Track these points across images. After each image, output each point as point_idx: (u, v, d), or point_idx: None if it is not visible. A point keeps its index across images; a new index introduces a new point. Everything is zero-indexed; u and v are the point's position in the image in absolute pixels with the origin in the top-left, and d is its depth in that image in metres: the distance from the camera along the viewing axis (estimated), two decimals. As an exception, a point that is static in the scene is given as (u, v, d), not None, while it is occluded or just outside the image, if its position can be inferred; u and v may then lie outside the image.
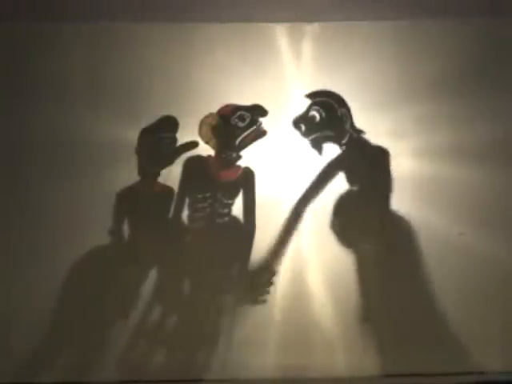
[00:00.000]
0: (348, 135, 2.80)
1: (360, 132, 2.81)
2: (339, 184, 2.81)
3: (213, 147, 2.80)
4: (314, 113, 2.80)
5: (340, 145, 2.82)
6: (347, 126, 2.80)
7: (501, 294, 2.76)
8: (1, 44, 2.89)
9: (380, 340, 2.74)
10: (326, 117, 2.80)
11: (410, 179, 2.79)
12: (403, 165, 2.80)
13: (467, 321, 2.73)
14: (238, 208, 2.80)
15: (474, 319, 2.73)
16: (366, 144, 2.81)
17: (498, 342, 2.73)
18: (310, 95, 2.82)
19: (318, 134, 2.80)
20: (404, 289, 2.76)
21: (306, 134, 2.80)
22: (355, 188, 2.80)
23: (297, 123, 2.80)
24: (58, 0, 2.80)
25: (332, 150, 2.82)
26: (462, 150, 2.82)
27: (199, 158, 2.80)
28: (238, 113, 2.78)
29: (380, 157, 2.80)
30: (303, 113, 2.81)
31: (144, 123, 2.80)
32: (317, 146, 2.80)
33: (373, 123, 2.81)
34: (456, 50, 2.88)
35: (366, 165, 2.81)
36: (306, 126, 2.79)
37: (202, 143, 2.79)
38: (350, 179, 2.81)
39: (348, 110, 2.81)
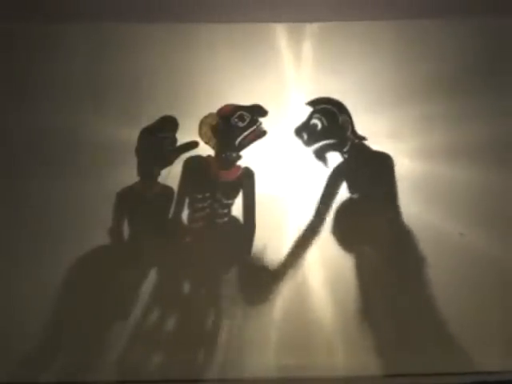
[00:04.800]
0: (350, 142, 2.80)
1: (362, 138, 2.80)
2: (341, 191, 2.81)
3: (213, 147, 2.80)
4: (315, 121, 2.79)
5: (342, 153, 2.81)
6: (348, 133, 2.80)
7: (501, 293, 2.76)
8: (2, 44, 2.90)
9: (380, 340, 2.73)
10: (328, 124, 2.79)
11: (408, 180, 2.79)
12: (401, 165, 2.80)
13: (467, 321, 2.73)
14: (238, 208, 2.80)
15: (473, 319, 2.73)
16: (368, 151, 2.81)
17: (498, 342, 2.73)
18: (311, 103, 2.81)
19: (321, 143, 2.79)
20: (404, 289, 2.76)
21: (308, 143, 2.79)
22: (357, 196, 2.80)
23: (299, 132, 2.78)
24: (59, 0, 2.81)
25: (334, 159, 2.81)
26: (460, 150, 2.82)
27: (199, 158, 2.80)
28: (238, 113, 2.77)
29: (382, 163, 2.80)
30: (304, 122, 2.79)
31: (144, 123, 2.81)
32: (321, 156, 2.79)
33: (372, 123, 2.81)
34: (455, 50, 2.88)
35: (368, 172, 2.80)
36: (308, 134, 2.78)
37: (202, 143, 2.79)
38: (351, 187, 2.80)
39: (349, 116, 2.80)
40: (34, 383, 2.73)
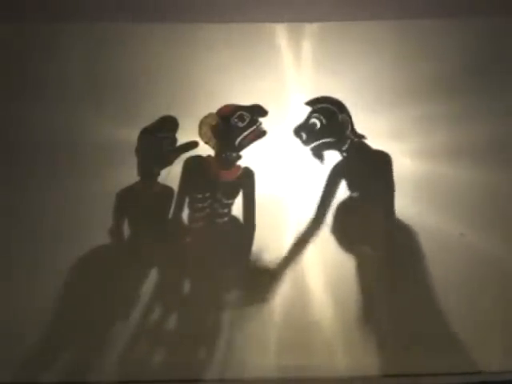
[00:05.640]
0: (349, 141, 2.80)
1: (361, 137, 2.80)
2: (341, 190, 2.81)
3: (213, 147, 2.80)
4: (314, 120, 2.78)
5: (341, 151, 2.81)
6: (348, 132, 2.79)
7: (501, 293, 2.76)
8: (1, 44, 2.91)
9: (380, 340, 2.73)
10: (327, 123, 2.78)
11: (409, 180, 2.79)
12: (402, 165, 2.80)
13: (467, 321, 2.72)
14: (238, 208, 2.80)
15: (473, 319, 2.72)
16: (367, 149, 2.80)
17: (498, 342, 2.73)
18: (310, 102, 2.81)
19: (319, 142, 2.79)
20: (404, 289, 2.76)
21: (307, 143, 2.78)
22: (356, 194, 2.80)
23: (297, 132, 2.78)
24: (58, 0, 2.82)
25: (333, 157, 2.81)
26: (461, 150, 2.82)
27: (199, 158, 2.80)
28: (238, 113, 2.77)
29: (381, 161, 2.79)
30: (303, 121, 2.79)
31: (143, 123, 2.81)
32: (318, 154, 2.79)
33: (372, 123, 2.81)
34: (455, 50, 2.88)
35: (367, 170, 2.80)
36: (306, 134, 2.78)
37: (201, 143, 2.80)
38: (351, 185, 2.80)
39: (349, 115, 2.79)
40: (36, 383, 2.73)
